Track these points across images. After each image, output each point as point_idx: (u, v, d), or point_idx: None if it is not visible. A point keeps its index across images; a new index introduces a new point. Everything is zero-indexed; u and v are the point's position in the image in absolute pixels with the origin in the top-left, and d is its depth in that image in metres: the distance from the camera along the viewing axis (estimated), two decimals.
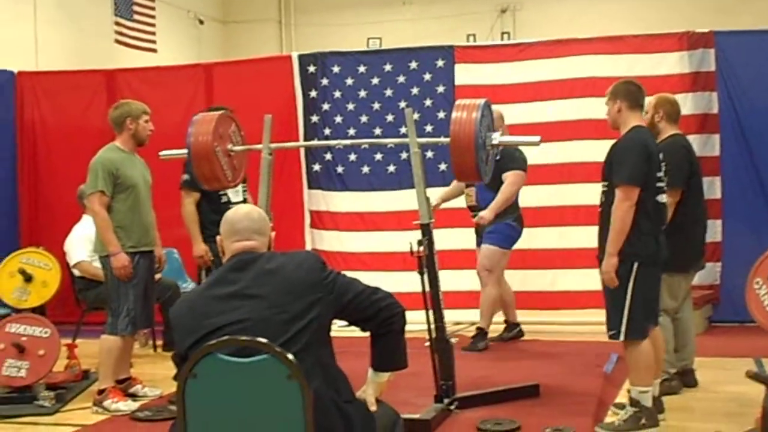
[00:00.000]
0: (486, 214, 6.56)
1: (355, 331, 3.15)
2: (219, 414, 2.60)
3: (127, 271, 5.41)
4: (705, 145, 7.52)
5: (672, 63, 7.65)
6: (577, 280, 7.44)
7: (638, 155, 4.51)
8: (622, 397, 5.13)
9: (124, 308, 5.45)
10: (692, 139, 6.51)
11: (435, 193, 6.58)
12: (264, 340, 2.58)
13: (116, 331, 5.45)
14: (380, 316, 2.98)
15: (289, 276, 2.84)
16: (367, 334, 3.08)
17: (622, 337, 4.56)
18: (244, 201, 6.30)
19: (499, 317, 7.17)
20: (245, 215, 3.04)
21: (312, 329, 2.78)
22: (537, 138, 5.16)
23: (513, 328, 7.18)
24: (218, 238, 3.06)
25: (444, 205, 7.00)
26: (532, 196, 7.66)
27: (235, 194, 6.34)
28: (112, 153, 5.57)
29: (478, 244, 6.93)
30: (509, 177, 6.59)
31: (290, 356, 2.55)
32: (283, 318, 2.75)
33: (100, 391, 5.44)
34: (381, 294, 3.00)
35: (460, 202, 7.08)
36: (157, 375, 6.11)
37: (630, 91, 4.70)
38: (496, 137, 4.99)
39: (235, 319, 2.75)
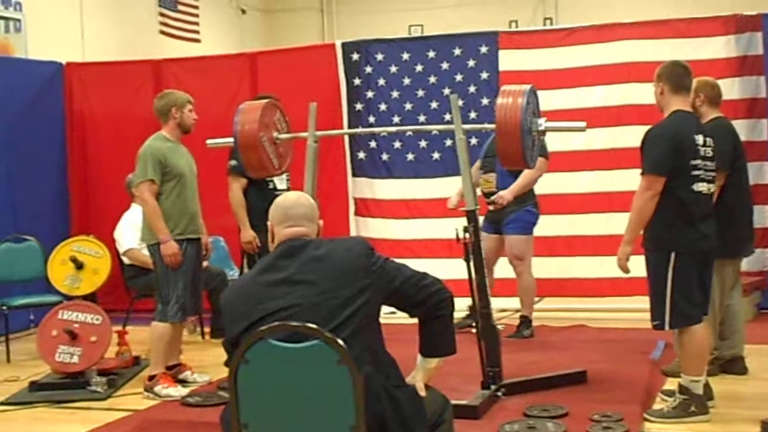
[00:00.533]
0: (506, 194, 6.57)
1: (402, 318, 3.17)
2: (270, 399, 2.63)
3: (177, 259, 5.47)
4: (753, 131, 7.39)
5: (718, 47, 7.52)
6: None
7: (665, 144, 4.43)
8: (670, 384, 5.10)
9: (174, 296, 5.51)
10: (740, 124, 6.43)
11: None
12: (314, 326, 2.60)
13: (166, 319, 5.52)
14: (429, 301, 2.98)
15: (338, 262, 2.84)
16: (414, 321, 3.09)
17: (666, 327, 4.52)
18: (288, 189, 6.35)
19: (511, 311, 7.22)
20: (296, 201, 3.04)
21: (361, 315, 2.78)
22: (583, 124, 5.12)
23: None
24: (269, 223, 3.06)
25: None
26: (577, 182, 7.63)
27: (280, 181, 6.42)
28: (160, 142, 5.63)
29: (484, 229, 6.86)
30: None
31: (340, 341, 2.57)
32: (333, 303, 2.75)
33: (151, 377, 5.52)
34: (429, 279, 3.00)
35: None
36: (205, 361, 6.20)
37: (674, 74, 4.59)
38: (542, 123, 4.97)
39: (286, 305, 2.76)
